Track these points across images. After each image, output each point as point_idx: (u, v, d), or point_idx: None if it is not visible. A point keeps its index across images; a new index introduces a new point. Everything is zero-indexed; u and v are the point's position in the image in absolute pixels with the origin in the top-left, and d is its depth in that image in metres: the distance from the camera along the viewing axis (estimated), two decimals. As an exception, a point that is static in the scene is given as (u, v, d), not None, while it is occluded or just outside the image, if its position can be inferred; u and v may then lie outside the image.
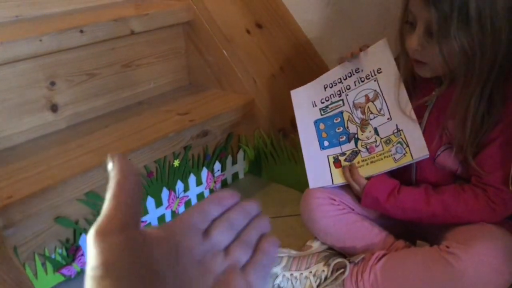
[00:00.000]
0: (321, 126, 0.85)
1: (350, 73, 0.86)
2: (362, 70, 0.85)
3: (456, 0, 0.67)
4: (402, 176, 0.83)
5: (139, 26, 1.15)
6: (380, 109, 0.80)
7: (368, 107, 0.82)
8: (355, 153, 0.80)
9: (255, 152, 1.29)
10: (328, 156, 0.83)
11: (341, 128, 0.84)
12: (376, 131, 0.80)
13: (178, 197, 1.14)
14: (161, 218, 1.12)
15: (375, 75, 0.83)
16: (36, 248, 0.90)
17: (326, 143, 0.84)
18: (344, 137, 0.83)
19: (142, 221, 1.08)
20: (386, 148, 0.77)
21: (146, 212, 1.08)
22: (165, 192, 1.11)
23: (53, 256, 0.93)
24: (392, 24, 0.89)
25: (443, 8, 0.68)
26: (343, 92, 0.85)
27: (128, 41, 1.18)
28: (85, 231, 0.97)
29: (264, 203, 1.21)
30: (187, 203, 1.17)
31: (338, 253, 0.87)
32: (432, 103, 0.81)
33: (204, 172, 1.19)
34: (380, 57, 0.84)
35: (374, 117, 0.81)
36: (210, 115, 1.14)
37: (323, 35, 1.18)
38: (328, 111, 0.86)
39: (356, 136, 0.82)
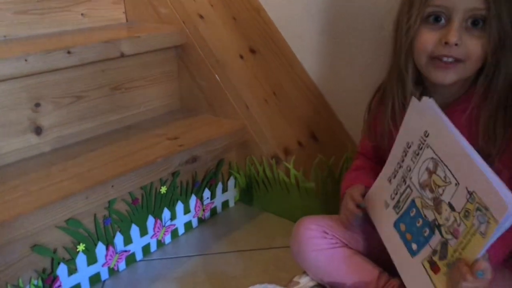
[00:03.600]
0: (402, 227, 0.73)
1: (404, 151, 0.74)
2: (412, 142, 0.72)
3: None
4: None
5: (130, 48, 1.12)
6: (445, 177, 0.67)
7: (434, 181, 0.69)
8: (444, 244, 0.67)
9: (246, 180, 1.25)
10: (422, 263, 0.70)
11: (420, 221, 0.71)
12: (451, 206, 0.66)
13: (164, 226, 1.09)
14: (146, 248, 1.07)
15: (424, 141, 0.70)
16: (9, 278, 0.85)
17: (414, 247, 0.71)
18: (427, 230, 0.70)
19: (125, 251, 1.02)
20: (469, 224, 0.63)
21: (130, 241, 1.03)
22: (150, 220, 1.06)
23: (27, 287, 0.87)
24: (388, 50, 0.87)
25: None
26: (406, 177, 0.74)
27: (118, 63, 1.15)
28: (64, 260, 0.92)
29: (254, 234, 1.18)
30: (174, 232, 1.12)
31: (328, 290, 0.82)
32: None
33: (193, 199, 1.15)
34: (420, 117, 0.71)
35: (443, 190, 0.67)
36: (200, 140, 1.11)
37: (318, 62, 1.16)
38: (401, 206, 0.75)
39: (436, 222, 0.68)
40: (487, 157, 0.69)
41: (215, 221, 1.21)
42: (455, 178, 0.65)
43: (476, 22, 0.68)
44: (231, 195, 1.26)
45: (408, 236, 0.72)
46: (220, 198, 1.23)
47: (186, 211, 1.14)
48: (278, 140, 1.20)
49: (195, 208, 1.16)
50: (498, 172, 0.69)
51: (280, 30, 1.22)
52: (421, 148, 0.70)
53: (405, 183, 0.74)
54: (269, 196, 1.21)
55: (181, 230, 1.14)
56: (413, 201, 0.72)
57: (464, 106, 0.73)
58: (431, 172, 0.69)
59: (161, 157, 1.01)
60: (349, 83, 1.10)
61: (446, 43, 0.68)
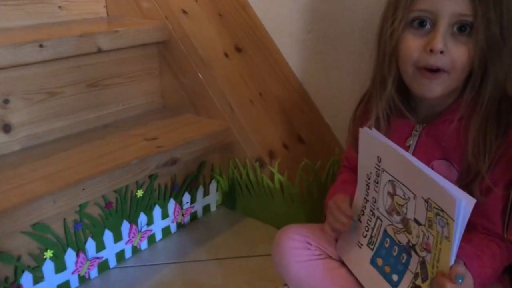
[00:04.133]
0: (379, 262, 0.70)
1: (367, 184, 0.71)
2: (371, 172, 0.70)
3: None
4: None
5: (107, 43, 1.06)
6: (404, 194, 0.65)
7: (397, 203, 0.67)
8: (423, 264, 0.63)
9: (229, 183, 1.19)
10: None
11: (396, 249, 0.68)
12: (416, 222, 0.63)
13: (140, 231, 1.03)
14: (120, 254, 1.01)
15: (379, 167, 0.68)
16: (-33, 287, 0.79)
17: (395, 278, 0.67)
18: (404, 256, 0.66)
19: (98, 257, 0.96)
20: (435, 233, 0.60)
21: (102, 247, 0.97)
22: (125, 225, 1.00)
23: (-12, 297, 0.81)
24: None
25: None
26: (374, 209, 0.71)
27: (95, 59, 1.09)
28: (29, 268, 0.86)
29: (236, 240, 1.12)
30: (151, 238, 1.06)
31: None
32: (415, 143, 0.72)
33: (172, 204, 1.09)
34: (370, 146, 0.69)
35: (406, 208, 0.65)
36: (180, 141, 1.05)
37: (305, 61, 1.11)
38: (374, 240, 0.71)
39: (410, 244, 0.65)
40: (477, 174, 0.65)
41: (195, 226, 1.15)
42: (411, 192, 0.62)
43: (462, 28, 0.64)
44: (213, 199, 1.20)
45: (387, 269, 0.68)
46: (201, 202, 1.17)
47: (164, 215, 1.08)
48: (263, 143, 1.15)
49: (174, 213, 1.10)
50: (488, 191, 0.66)
51: (267, 28, 1.17)
52: (378, 175, 0.68)
53: (374, 216, 0.71)
54: (252, 201, 1.16)
55: (158, 236, 1.08)
56: (385, 231, 0.69)
57: (453, 116, 0.68)
58: (392, 195, 0.66)
59: (137, 159, 0.95)
60: (338, 85, 1.06)
61: (431, 50, 0.64)
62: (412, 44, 0.66)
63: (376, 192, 0.69)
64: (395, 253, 0.68)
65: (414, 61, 0.66)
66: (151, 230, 1.06)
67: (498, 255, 0.65)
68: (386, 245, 0.69)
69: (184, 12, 1.19)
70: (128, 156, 0.97)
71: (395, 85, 0.71)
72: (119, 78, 1.16)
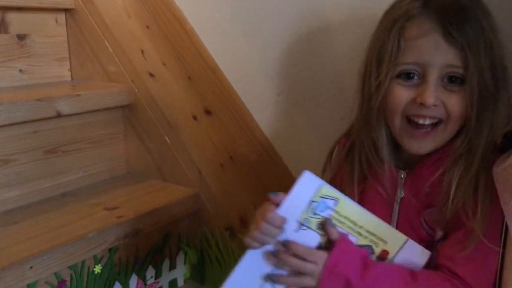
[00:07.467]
0: None
1: None
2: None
3: (481, 23, 0.61)
4: None
5: (68, 107, 1.01)
6: None
7: None
8: None
9: (198, 255, 1.10)
10: None
11: None
12: None
13: (97, 312, 0.93)
14: None
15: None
16: None
17: None
18: None
19: None
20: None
21: (52, 333, 0.86)
22: (80, 306, 0.90)
23: None
24: (349, 111, 0.80)
25: (470, 39, 0.60)
26: None
27: (54, 124, 1.03)
28: None
29: (207, 319, 1.02)
30: (109, 320, 0.96)
31: None
32: (402, 193, 0.69)
33: (134, 279, 0.99)
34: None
35: None
36: (143, 210, 0.98)
37: (276, 125, 1.08)
38: None
39: None
40: (469, 235, 0.61)
41: (161, 304, 1.05)
42: None
43: (453, 79, 0.62)
44: (180, 272, 1.11)
45: None
46: (167, 276, 1.07)
47: (125, 293, 0.98)
48: (234, 209, 1.08)
49: (136, 290, 1.00)
50: (488, 254, 0.61)
51: (237, 91, 1.14)
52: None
53: None
54: (223, 274, 1.06)
55: (118, 316, 0.98)
56: None
57: (436, 165, 0.66)
58: None
59: (93, 231, 0.87)
60: (309, 146, 1.03)
61: (421, 104, 0.62)
62: (401, 95, 0.64)
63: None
64: None
65: (402, 111, 0.64)
66: (110, 311, 0.95)
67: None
68: None
69: (151, 75, 1.16)
70: (84, 228, 0.89)
71: (385, 137, 0.69)
72: (81, 144, 1.10)
